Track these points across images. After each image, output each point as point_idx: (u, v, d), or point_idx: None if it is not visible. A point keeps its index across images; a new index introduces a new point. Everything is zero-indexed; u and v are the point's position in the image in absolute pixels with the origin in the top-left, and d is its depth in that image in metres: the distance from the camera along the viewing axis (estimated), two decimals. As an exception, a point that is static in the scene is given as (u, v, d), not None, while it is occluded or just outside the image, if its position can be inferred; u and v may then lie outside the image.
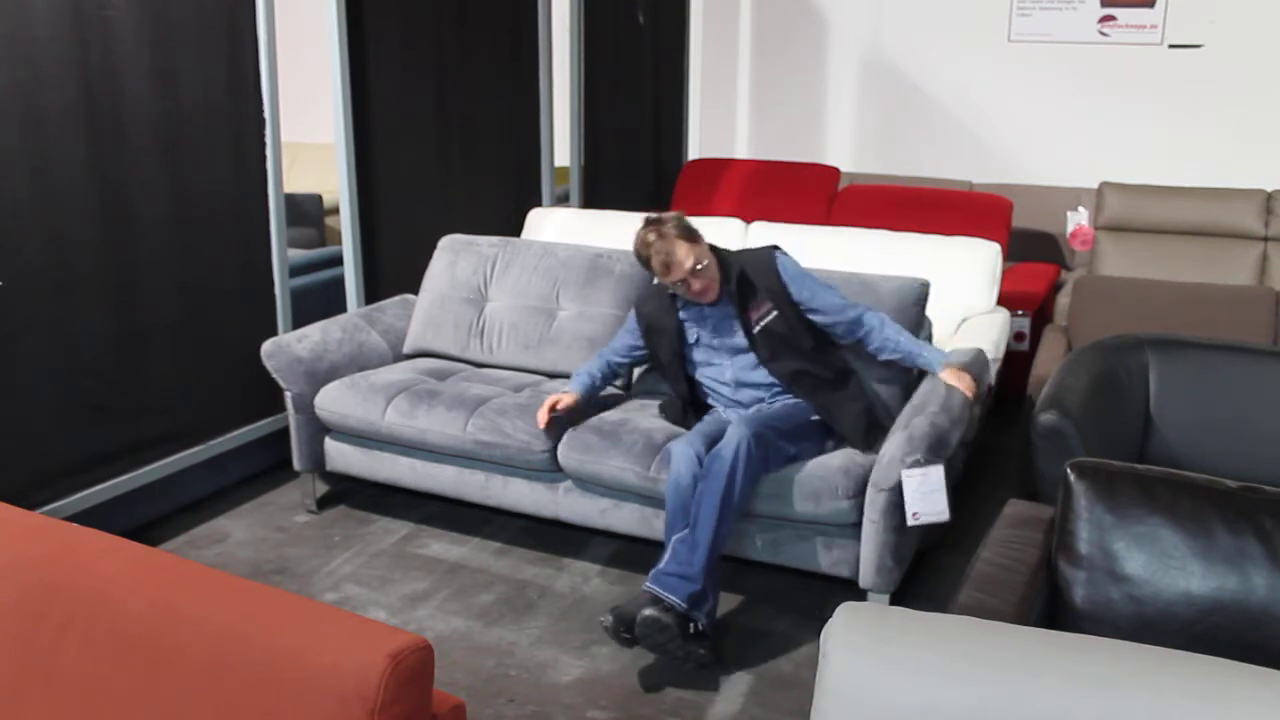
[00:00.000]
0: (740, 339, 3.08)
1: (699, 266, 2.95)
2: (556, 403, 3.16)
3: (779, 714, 2.63)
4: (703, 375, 3.18)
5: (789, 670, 2.81)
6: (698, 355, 3.16)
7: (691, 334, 3.14)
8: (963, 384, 3.03)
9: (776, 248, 3.12)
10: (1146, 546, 1.86)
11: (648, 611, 2.65)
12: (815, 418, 3.03)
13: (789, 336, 3.03)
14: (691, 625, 2.70)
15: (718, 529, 2.75)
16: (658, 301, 3.17)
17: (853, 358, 3.15)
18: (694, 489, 2.82)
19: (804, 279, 3.06)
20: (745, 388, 3.12)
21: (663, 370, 3.24)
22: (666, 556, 2.77)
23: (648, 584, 2.73)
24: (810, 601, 3.14)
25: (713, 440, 2.93)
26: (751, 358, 3.08)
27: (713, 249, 3.05)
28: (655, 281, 3.11)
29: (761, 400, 3.11)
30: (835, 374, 3.08)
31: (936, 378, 3.07)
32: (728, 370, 3.12)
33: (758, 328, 3.03)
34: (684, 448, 2.89)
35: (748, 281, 3.03)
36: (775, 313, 3.02)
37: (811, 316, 3.05)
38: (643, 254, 3.01)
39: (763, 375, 3.09)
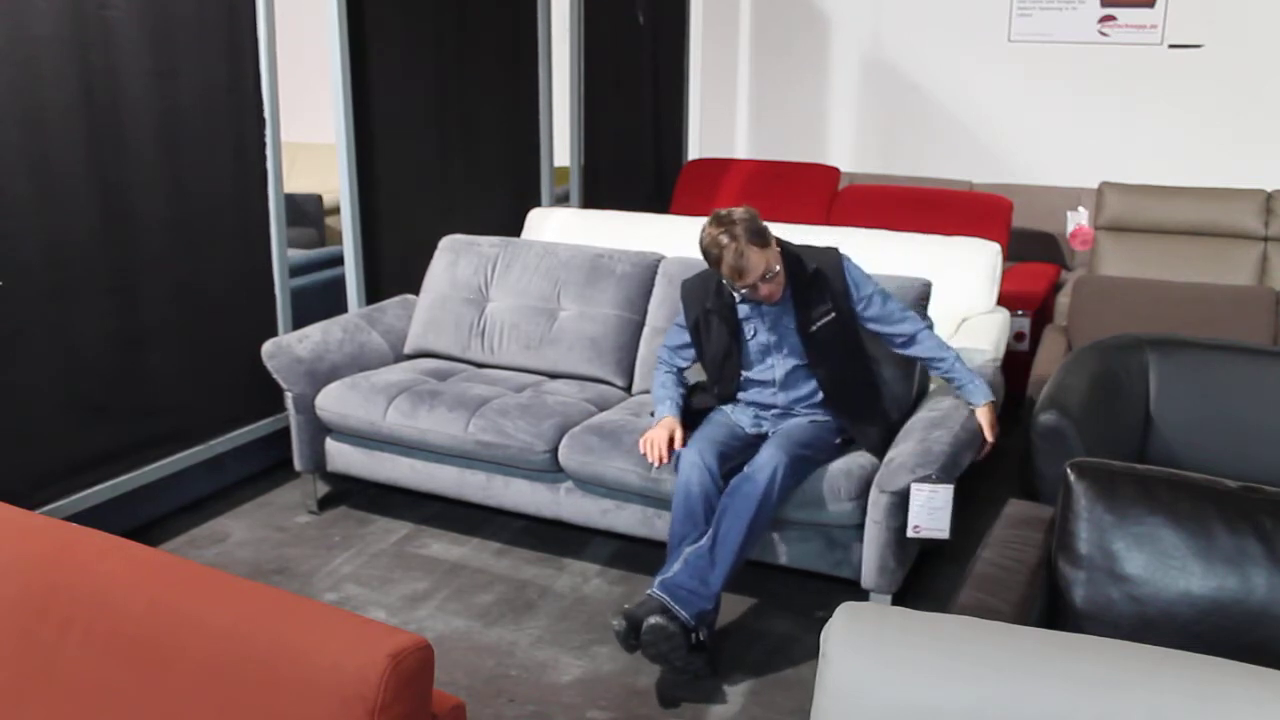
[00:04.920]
0: (795, 338, 2.99)
1: (770, 275, 2.85)
2: (673, 439, 2.98)
3: (779, 714, 2.63)
4: (750, 373, 3.06)
5: (789, 670, 2.81)
6: (751, 352, 3.04)
7: (749, 329, 3.02)
8: (989, 428, 3.01)
9: (838, 249, 3.03)
10: (1146, 546, 1.86)
11: (655, 620, 2.63)
12: (838, 441, 3.00)
13: (839, 342, 2.98)
14: (693, 636, 2.69)
15: (740, 553, 2.74)
16: (715, 297, 3.00)
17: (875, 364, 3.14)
18: (703, 498, 2.80)
19: (867, 284, 3.00)
20: (788, 390, 3.04)
21: (711, 366, 3.09)
22: (677, 566, 2.73)
23: (656, 591, 2.70)
24: (811, 601, 3.14)
25: (723, 451, 2.89)
26: (799, 357, 3.01)
27: (780, 245, 2.93)
28: (722, 280, 2.95)
29: (794, 407, 3.04)
30: (868, 387, 3.06)
31: (955, 401, 3.07)
32: (778, 369, 3.03)
33: (814, 327, 2.96)
34: (694, 457, 2.85)
35: (811, 281, 2.95)
36: (833, 315, 2.96)
37: (870, 325, 3.00)
38: (711, 253, 2.83)
39: (807, 378, 3.02)
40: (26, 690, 1.61)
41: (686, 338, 3.14)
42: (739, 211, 2.85)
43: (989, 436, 3.01)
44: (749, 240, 2.79)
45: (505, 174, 5.00)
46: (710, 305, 3.02)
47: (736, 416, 3.08)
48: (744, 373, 3.06)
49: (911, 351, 3.04)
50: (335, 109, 3.95)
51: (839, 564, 2.96)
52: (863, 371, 3.06)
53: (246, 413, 3.78)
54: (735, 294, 2.96)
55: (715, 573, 2.71)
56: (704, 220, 2.91)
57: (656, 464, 2.97)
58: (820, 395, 3.03)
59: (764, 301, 2.93)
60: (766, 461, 2.79)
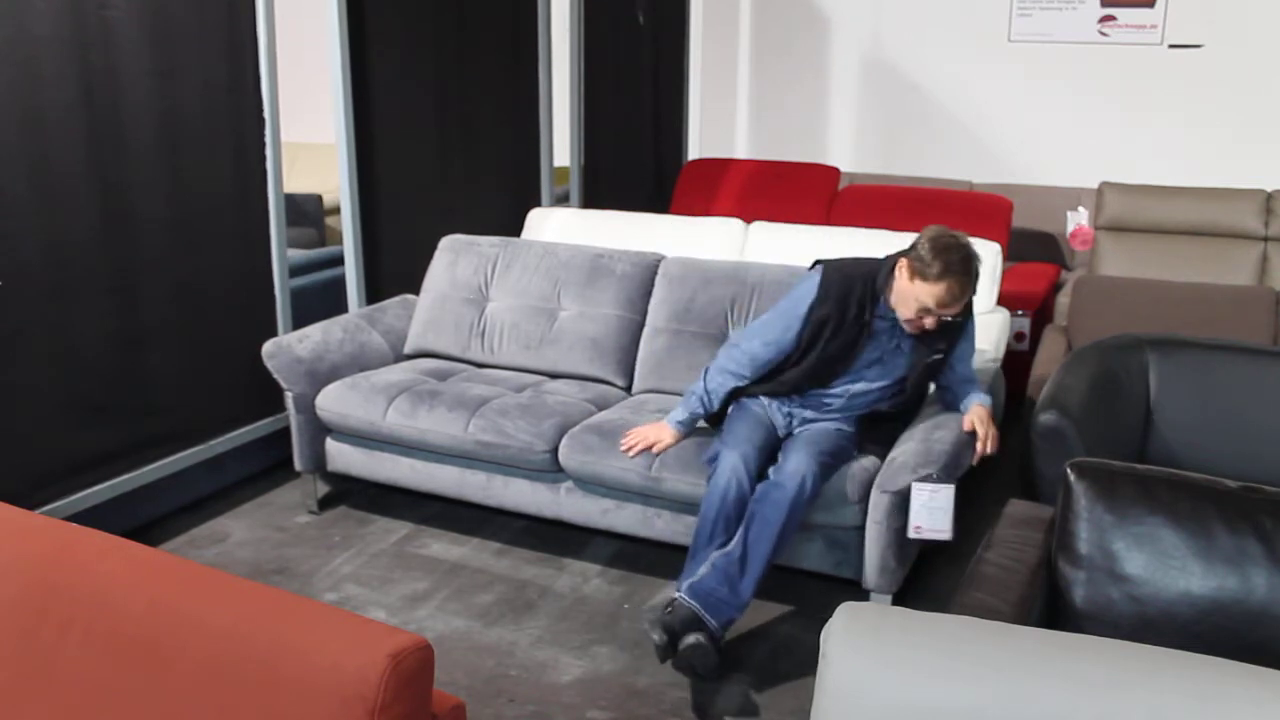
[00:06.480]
0: (901, 364, 2.95)
1: (949, 316, 2.80)
2: (653, 446, 3.00)
3: (779, 714, 2.63)
4: (836, 381, 2.97)
5: (789, 670, 2.81)
6: (854, 367, 2.95)
7: (871, 345, 2.92)
8: (979, 423, 2.91)
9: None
10: (1146, 546, 1.86)
11: (695, 640, 2.62)
12: (855, 450, 2.99)
13: (930, 378, 3.00)
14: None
15: (769, 560, 2.73)
16: (863, 304, 2.88)
17: None
18: (738, 503, 2.78)
19: (970, 342, 3.00)
20: (856, 401, 2.99)
21: (808, 363, 2.94)
22: (704, 570, 2.72)
23: (686, 597, 2.68)
24: (812, 601, 3.14)
25: (762, 452, 2.86)
26: (882, 382, 2.96)
27: None
28: (875, 286, 2.87)
29: (837, 416, 2.99)
30: (903, 419, 3.06)
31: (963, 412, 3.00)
32: (860, 384, 2.97)
33: (928, 360, 2.93)
34: (736, 461, 2.80)
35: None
36: (941, 355, 2.94)
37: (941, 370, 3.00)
38: (931, 269, 2.71)
39: (872, 400, 2.99)
40: (26, 690, 1.61)
41: (787, 345, 2.95)
42: (974, 249, 2.79)
43: (979, 431, 2.90)
44: (972, 285, 2.78)
45: (505, 174, 5.00)
46: (854, 312, 2.88)
47: (772, 412, 3.02)
48: (835, 381, 2.97)
49: (948, 396, 3.06)
50: (335, 109, 3.95)
51: (839, 564, 2.96)
52: (917, 406, 3.07)
53: (246, 413, 3.78)
54: (883, 308, 2.87)
55: (745, 581, 2.70)
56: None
57: (630, 455, 3.01)
58: (865, 409, 3.01)
59: (916, 330, 2.86)
60: (796, 469, 2.76)
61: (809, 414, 3.01)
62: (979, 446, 2.90)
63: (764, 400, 3.04)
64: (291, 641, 1.43)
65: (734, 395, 3.06)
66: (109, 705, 1.53)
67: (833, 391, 2.99)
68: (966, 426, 2.92)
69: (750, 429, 2.93)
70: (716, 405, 3.03)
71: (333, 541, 3.50)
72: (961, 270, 2.73)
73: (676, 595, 2.71)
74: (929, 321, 2.79)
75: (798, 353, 2.96)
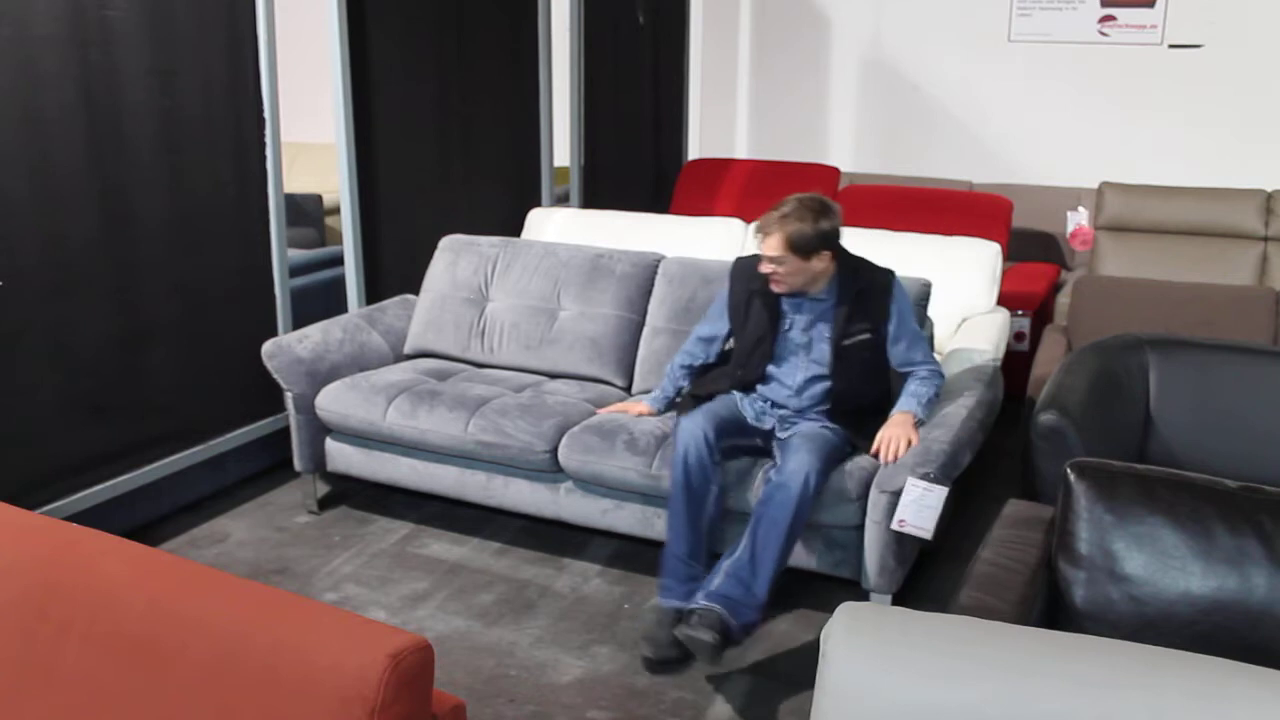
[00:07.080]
0: (826, 346, 2.99)
1: (775, 263, 2.85)
2: (629, 410, 3.23)
3: (779, 714, 2.63)
4: (775, 368, 3.05)
5: (789, 670, 2.81)
6: (782, 347, 3.03)
7: (786, 322, 3.02)
8: (892, 433, 2.87)
9: (893, 273, 3.02)
10: (1146, 546, 1.86)
11: (704, 636, 2.63)
12: (849, 449, 2.99)
13: (866, 361, 3.00)
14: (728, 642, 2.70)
15: (780, 560, 2.75)
16: (760, 279, 2.98)
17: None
18: (699, 467, 2.82)
19: (907, 318, 3.01)
20: (803, 394, 3.02)
21: (741, 350, 3.09)
22: (719, 580, 2.72)
23: (706, 601, 2.67)
24: (811, 601, 3.14)
25: (721, 427, 2.89)
26: (824, 365, 3.00)
27: (841, 254, 2.92)
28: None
29: (806, 411, 3.02)
30: (877, 405, 3.05)
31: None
32: (800, 371, 3.02)
33: (847, 342, 2.96)
34: (691, 425, 2.87)
35: (860, 296, 2.95)
36: (867, 335, 2.96)
37: (888, 349, 3.01)
38: (761, 219, 2.90)
39: (825, 386, 3.01)
40: (26, 690, 1.61)
41: (722, 327, 3.18)
42: (815, 205, 2.85)
43: (889, 443, 2.85)
44: (786, 233, 2.81)
45: (505, 174, 5.00)
46: (756, 287, 3.02)
47: (743, 406, 3.07)
48: (770, 366, 3.05)
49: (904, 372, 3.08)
50: (335, 109, 3.94)
51: (839, 564, 2.96)
52: (879, 392, 3.07)
53: (246, 413, 3.78)
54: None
55: (759, 581, 2.71)
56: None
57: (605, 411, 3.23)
58: (828, 405, 3.02)
59: (779, 289, 2.93)
60: (798, 467, 2.78)
61: (783, 411, 3.04)
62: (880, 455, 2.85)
63: (735, 394, 3.11)
64: (291, 641, 1.43)
65: (707, 396, 3.15)
66: (109, 705, 1.53)
67: (784, 384, 3.04)
68: (873, 449, 2.88)
69: (716, 405, 3.03)
70: (683, 382, 3.25)
71: (333, 541, 3.50)
72: (778, 218, 2.84)
73: (695, 606, 2.69)
74: (765, 266, 2.89)
75: (738, 342, 3.14)
